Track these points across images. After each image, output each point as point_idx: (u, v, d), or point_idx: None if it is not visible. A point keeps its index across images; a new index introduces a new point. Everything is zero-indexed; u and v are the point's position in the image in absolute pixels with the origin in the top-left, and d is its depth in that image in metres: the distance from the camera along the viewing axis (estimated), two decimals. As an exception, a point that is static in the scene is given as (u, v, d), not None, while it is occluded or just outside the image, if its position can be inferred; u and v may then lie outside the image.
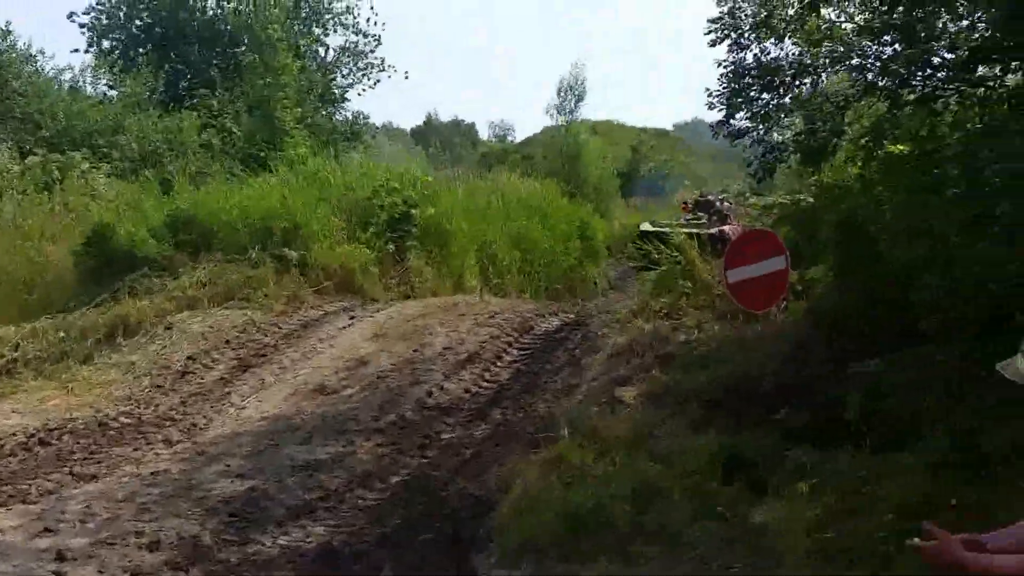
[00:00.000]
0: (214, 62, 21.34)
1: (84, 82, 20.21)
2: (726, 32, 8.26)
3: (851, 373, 5.28)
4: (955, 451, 4.39)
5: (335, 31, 24.67)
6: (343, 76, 25.11)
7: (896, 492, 4.14)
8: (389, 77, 24.93)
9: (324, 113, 22.82)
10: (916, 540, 2.06)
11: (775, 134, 9.08)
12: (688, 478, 4.89)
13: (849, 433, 4.91)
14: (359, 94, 27.55)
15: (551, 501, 4.72)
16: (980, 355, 4.84)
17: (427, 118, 54.50)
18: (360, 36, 24.58)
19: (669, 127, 51.84)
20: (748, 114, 8.42)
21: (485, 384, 7.60)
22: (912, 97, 7.07)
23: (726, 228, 16.79)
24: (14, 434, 6.78)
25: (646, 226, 18.59)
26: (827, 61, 7.83)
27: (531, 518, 4.63)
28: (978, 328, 5.01)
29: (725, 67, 8.39)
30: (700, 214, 19.90)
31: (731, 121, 8.50)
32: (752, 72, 8.17)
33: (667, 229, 15.05)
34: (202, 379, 8.17)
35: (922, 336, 5.25)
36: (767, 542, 4.31)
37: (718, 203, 20.53)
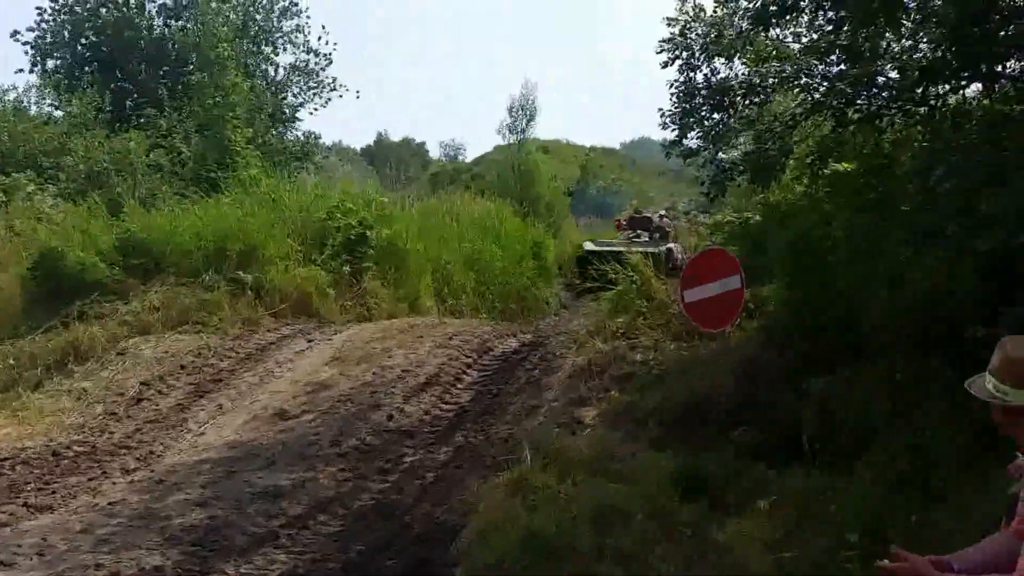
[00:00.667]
0: (162, 81, 21.00)
1: (29, 102, 19.77)
2: (677, 52, 8.44)
3: (803, 390, 5.39)
4: (907, 466, 4.51)
5: (285, 50, 24.56)
6: (294, 95, 24.98)
7: (853, 509, 4.22)
8: (340, 96, 24.84)
9: (275, 133, 22.61)
10: (885, 562, 2.08)
11: (726, 153, 9.26)
12: (649, 498, 4.93)
13: (803, 450, 5.04)
14: (310, 113, 27.38)
15: (515, 525, 4.71)
16: (927, 371, 5.03)
17: (378, 137, 54.40)
18: (311, 55, 24.52)
19: (616, 146, 52.47)
20: (700, 133, 8.54)
21: (446, 406, 7.61)
22: (857, 116, 7.25)
23: (673, 247, 16.52)
24: (-37, 465, 6.56)
25: (589, 245, 18.49)
26: (775, 81, 7.96)
27: (496, 542, 4.61)
28: (925, 344, 5.16)
29: (676, 87, 8.52)
30: (639, 232, 19.71)
31: (683, 141, 8.61)
32: (702, 92, 8.33)
33: (618, 248, 14.93)
34: (157, 405, 8.01)
35: (871, 352, 5.39)
36: (729, 561, 4.36)
37: (656, 219, 20.33)
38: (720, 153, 8.86)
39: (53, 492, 6.04)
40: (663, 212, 22.86)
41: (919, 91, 6.58)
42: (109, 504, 5.72)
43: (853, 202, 6.91)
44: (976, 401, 2.30)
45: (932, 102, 6.71)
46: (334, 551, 5.02)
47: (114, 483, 6.24)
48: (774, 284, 6.84)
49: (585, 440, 5.93)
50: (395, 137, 55.06)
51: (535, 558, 4.49)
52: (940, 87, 6.54)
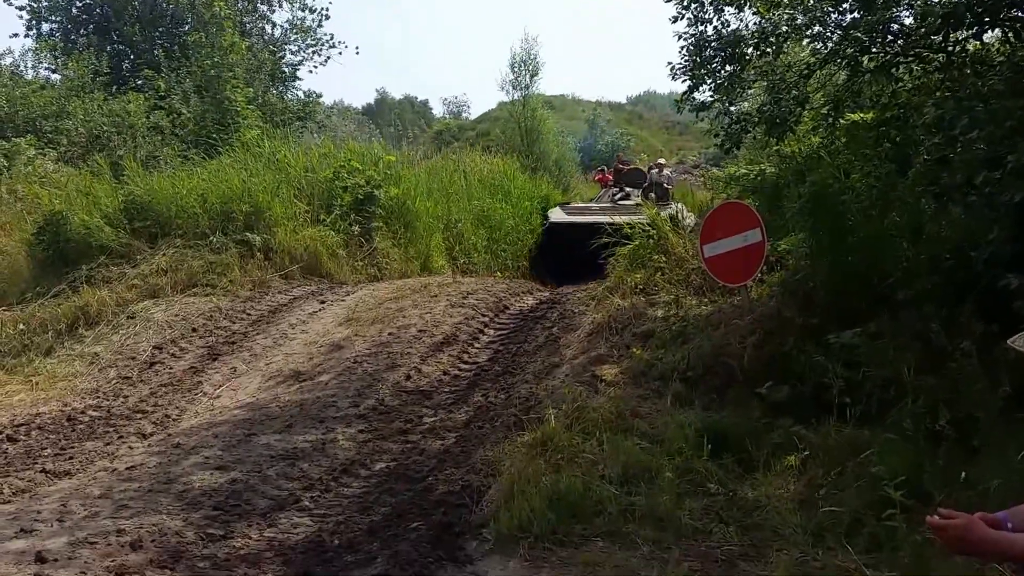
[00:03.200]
0: (158, 42, 20.73)
1: (25, 66, 19.55)
2: (686, 4, 8.25)
3: (830, 344, 5.29)
4: (942, 420, 4.42)
5: (280, 6, 24.28)
6: (292, 53, 24.70)
7: (889, 464, 4.14)
8: (340, 54, 24.60)
9: (275, 92, 22.35)
10: (935, 517, 2.01)
11: (741, 104, 9.10)
12: (675, 456, 4.90)
13: (831, 405, 4.94)
14: (310, 71, 27.13)
15: (541, 485, 4.66)
16: (957, 322, 4.90)
17: (378, 96, 53.76)
18: (307, 12, 24.21)
19: (623, 100, 51.81)
20: (712, 86, 8.42)
21: (464, 366, 7.53)
22: (872, 65, 7.09)
23: (675, 211, 12.26)
24: (-21, 431, 6.54)
25: (558, 214, 14.83)
26: (788, 30, 7.83)
27: (522, 503, 4.55)
28: (953, 295, 5.05)
29: (686, 39, 8.37)
30: (628, 190, 15.97)
31: (695, 94, 8.52)
32: (713, 44, 8.21)
33: (600, 218, 11.21)
34: (171, 369, 7.96)
35: (897, 304, 5.29)
36: (759, 518, 4.34)
37: (653, 174, 16.33)
38: (733, 105, 8.73)
39: (70, 458, 6.00)
40: (661, 161, 18.50)
41: (939, 38, 6.44)
42: (127, 469, 5.67)
43: (871, 153, 6.77)
44: (1011, 353, 2.20)
45: (950, 49, 6.60)
46: (357, 514, 4.95)
47: (131, 448, 6.20)
48: (792, 237, 6.68)
49: (608, 398, 5.84)
50: (396, 95, 54.46)
51: (563, 519, 4.46)
52: (960, 33, 6.41)
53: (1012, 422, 4.19)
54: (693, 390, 5.82)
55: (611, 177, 18.28)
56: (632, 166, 18.21)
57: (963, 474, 3.79)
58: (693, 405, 5.60)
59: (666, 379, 6.04)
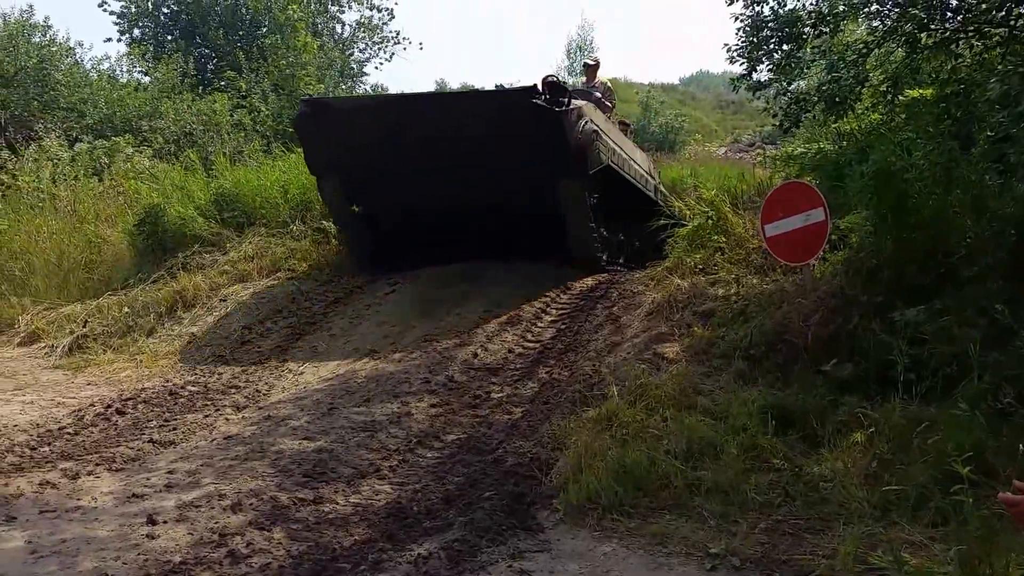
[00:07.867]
0: (238, 45, 21.17)
1: (120, 70, 20.18)
2: (742, -16, 8.09)
3: (895, 321, 5.07)
4: (1003, 396, 4.22)
5: (350, 7, 24.56)
6: (360, 51, 25.00)
7: (955, 440, 3.93)
8: (404, 49, 24.90)
9: (344, 88, 22.67)
10: (1008, 493, 1.94)
11: (799, 83, 8.87)
12: (739, 432, 4.75)
13: (896, 382, 4.71)
14: (376, 68, 27.45)
15: (607, 459, 4.62)
16: (1019, 298, 4.67)
17: (438, 86, 53.65)
18: (374, 11, 24.45)
19: (675, 81, 50.42)
20: (769, 66, 8.23)
21: (528, 344, 7.52)
22: (931, 41, 6.83)
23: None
24: (92, 405, 6.82)
25: None
26: (845, 8, 7.61)
27: (589, 476, 4.52)
28: (1019, 271, 4.84)
29: (742, 21, 8.18)
30: None
31: (752, 74, 8.33)
32: (770, 24, 7.99)
33: None
34: (259, 348, 8.17)
35: (959, 282, 5.06)
36: (825, 492, 4.18)
37: (580, 81, 12.07)
38: (791, 84, 8.52)
39: (174, 428, 6.20)
40: (591, 61, 11.80)
41: (1001, 12, 6.19)
42: (225, 439, 5.85)
43: (933, 131, 6.51)
44: None
45: (1012, 23, 6.31)
46: (433, 483, 5.00)
47: (227, 419, 6.38)
48: (854, 215, 6.38)
49: (670, 375, 5.69)
50: (454, 84, 54.34)
51: (630, 491, 4.40)
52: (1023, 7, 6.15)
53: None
54: (756, 368, 5.59)
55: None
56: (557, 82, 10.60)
57: (1021, 447, 3.54)
58: (756, 383, 5.38)
59: (728, 357, 5.82)
